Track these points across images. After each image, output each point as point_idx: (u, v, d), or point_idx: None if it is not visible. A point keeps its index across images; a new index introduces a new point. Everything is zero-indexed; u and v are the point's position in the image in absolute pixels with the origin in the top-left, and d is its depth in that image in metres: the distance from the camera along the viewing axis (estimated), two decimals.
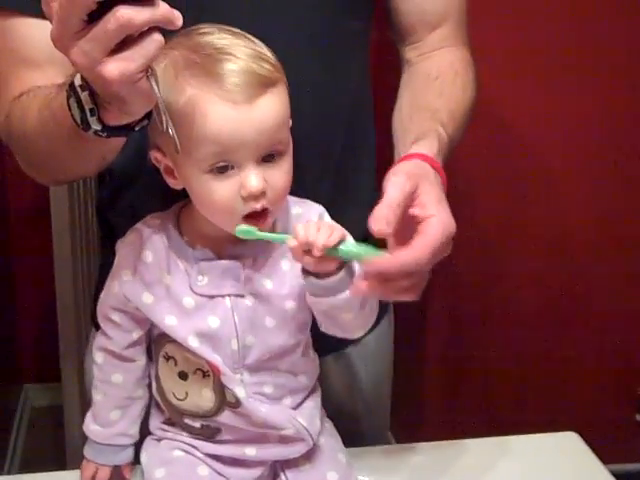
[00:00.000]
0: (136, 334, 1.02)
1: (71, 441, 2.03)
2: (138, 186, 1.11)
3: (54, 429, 2.31)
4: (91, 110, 0.82)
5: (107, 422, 1.05)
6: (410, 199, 0.91)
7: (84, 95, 0.82)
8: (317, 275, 0.91)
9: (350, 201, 1.17)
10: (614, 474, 1.13)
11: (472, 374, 2.23)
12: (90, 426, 1.06)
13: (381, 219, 0.88)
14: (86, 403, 1.91)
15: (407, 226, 0.90)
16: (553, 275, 2.13)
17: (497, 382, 2.22)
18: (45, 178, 1.11)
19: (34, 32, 0.98)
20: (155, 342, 1.04)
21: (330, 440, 1.08)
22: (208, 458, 1.03)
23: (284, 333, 1.00)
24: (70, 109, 0.83)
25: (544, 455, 1.15)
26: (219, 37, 0.92)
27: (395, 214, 0.88)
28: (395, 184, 0.91)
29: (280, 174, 0.94)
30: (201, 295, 0.98)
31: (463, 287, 2.14)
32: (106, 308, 1.03)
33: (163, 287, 0.98)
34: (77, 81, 0.82)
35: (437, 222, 0.90)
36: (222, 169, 0.91)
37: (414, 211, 0.91)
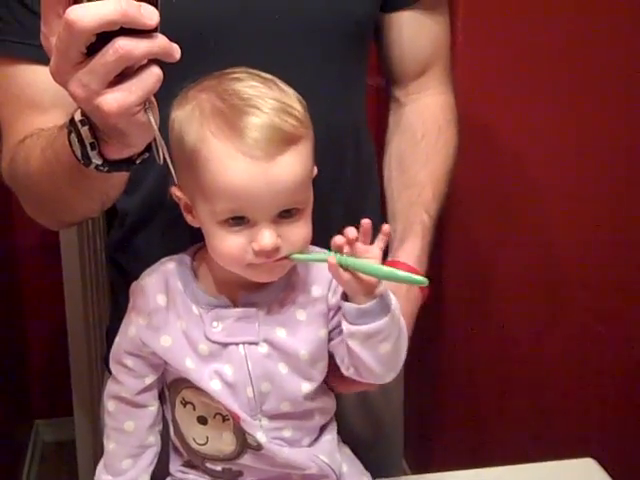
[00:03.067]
0: (149, 379, 1.01)
1: (84, 476, 2.03)
2: (150, 229, 1.12)
3: (65, 464, 2.30)
4: (91, 144, 0.82)
5: (118, 471, 1.03)
6: None
7: (84, 130, 0.81)
8: (355, 299, 0.91)
9: (357, 225, 1.19)
10: None
11: (485, 400, 2.21)
12: (102, 477, 1.04)
13: None
14: (98, 438, 1.91)
15: None
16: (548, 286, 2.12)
17: (510, 408, 2.20)
18: (49, 220, 1.10)
19: (38, 77, 0.99)
20: (171, 388, 1.03)
21: (352, 467, 1.08)
22: None
23: (299, 380, 1.00)
24: (71, 145, 0.83)
25: None
26: (249, 85, 0.91)
27: None
28: None
29: (297, 230, 0.93)
30: (215, 342, 0.97)
31: (477, 304, 2.13)
32: (120, 353, 1.01)
33: (179, 331, 0.98)
34: (77, 116, 0.82)
35: None
36: (236, 221, 0.91)
37: None
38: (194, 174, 0.90)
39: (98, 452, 1.96)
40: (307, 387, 1.00)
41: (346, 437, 1.12)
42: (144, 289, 1.00)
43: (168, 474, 1.07)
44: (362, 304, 0.91)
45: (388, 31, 1.22)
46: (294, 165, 0.90)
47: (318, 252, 0.97)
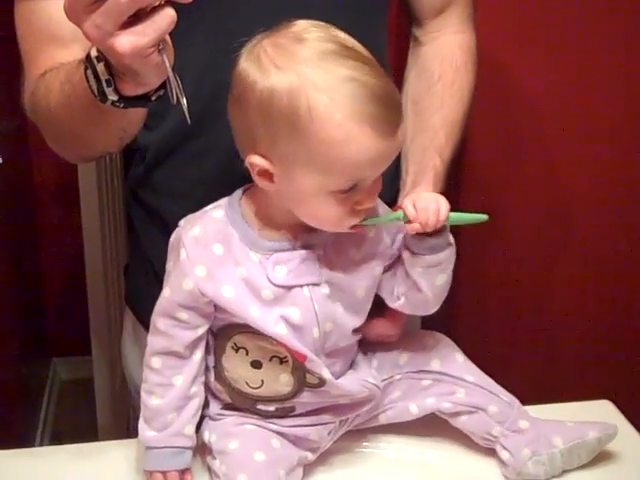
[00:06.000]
0: (201, 329, 1.00)
1: (102, 414, 2.05)
2: (172, 164, 1.11)
3: (83, 402, 2.33)
4: (107, 81, 0.82)
5: (163, 425, 1.01)
6: None
7: (100, 66, 0.82)
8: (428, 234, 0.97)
9: None
10: None
11: (497, 341, 2.22)
12: (146, 434, 1.02)
13: None
14: (116, 376, 1.93)
15: None
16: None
17: (523, 349, 2.21)
18: (69, 154, 1.11)
19: (58, 11, 0.97)
20: (220, 333, 1.02)
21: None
22: (281, 428, 1.04)
23: (352, 317, 1.03)
24: (87, 80, 0.84)
25: None
26: (345, 50, 0.90)
27: None
28: None
29: (381, 181, 0.96)
30: (279, 286, 0.97)
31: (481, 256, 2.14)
32: (173, 307, 0.99)
33: (240, 280, 0.97)
34: (93, 52, 0.83)
35: None
36: (347, 190, 0.92)
37: None
38: (306, 149, 0.89)
39: (116, 390, 1.99)
40: (357, 322, 1.04)
41: None
42: (198, 240, 0.98)
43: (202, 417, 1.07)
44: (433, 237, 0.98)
45: None
46: (403, 134, 0.93)
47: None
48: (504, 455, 1.08)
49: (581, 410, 1.20)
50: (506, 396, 1.10)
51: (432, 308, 1.05)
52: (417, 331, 1.18)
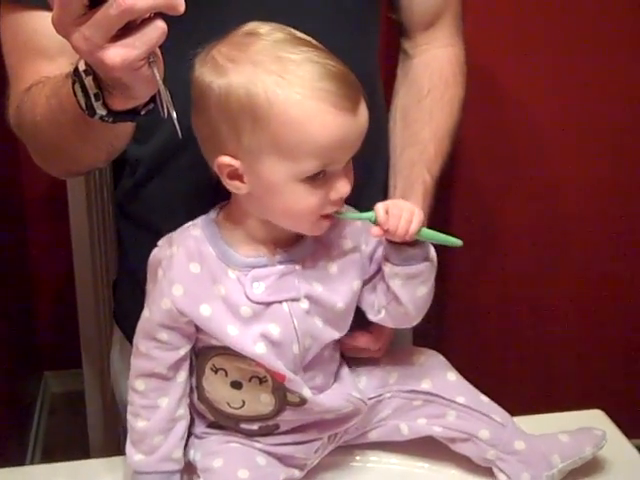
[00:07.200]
0: (183, 350, 0.99)
1: (93, 427, 2.04)
2: (163, 178, 1.11)
3: (74, 416, 2.32)
4: (95, 95, 0.82)
5: (150, 449, 1.00)
6: None
7: (88, 80, 0.81)
8: (407, 243, 0.97)
9: (369, 179, 1.18)
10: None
11: (489, 351, 2.22)
12: (134, 457, 1.01)
13: None
14: (107, 390, 1.92)
15: None
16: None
17: (515, 359, 2.22)
18: (55, 169, 1.10)
19: (44, 24, 0.97)
20: (199, 354, 1.01)
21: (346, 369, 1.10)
22: (266, 446, 1.03)
23: (333, 331, 1.02)
24: (75, 94, 0.83)
25: None
26: (301, 50, 0.91)
27: None
28: None
29: (352, 172, 0.96)
30: (258, 303, 0.96)
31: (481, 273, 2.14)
32: (152, 328, 0.98)
33: (217, 298, 0.96)
34: (81, 66, 0.82)
35: None
36: (317, 176, 0.91)
37: None
38: (270, 136, 0.89)
39: (107, 403, 1.98)
40: (337, 336, 1.03)
41: None
42: (175, 259, 0.97)
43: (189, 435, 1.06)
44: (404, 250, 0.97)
45: None
46: (366, 111, 0.93)
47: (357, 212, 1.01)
48: (502, 478, 1.07)
49: (574, 420, 1.20)
50: (499, 416, 1.08)
51: (413, 321, 1.04)
52: (408, 347, 1.18)
